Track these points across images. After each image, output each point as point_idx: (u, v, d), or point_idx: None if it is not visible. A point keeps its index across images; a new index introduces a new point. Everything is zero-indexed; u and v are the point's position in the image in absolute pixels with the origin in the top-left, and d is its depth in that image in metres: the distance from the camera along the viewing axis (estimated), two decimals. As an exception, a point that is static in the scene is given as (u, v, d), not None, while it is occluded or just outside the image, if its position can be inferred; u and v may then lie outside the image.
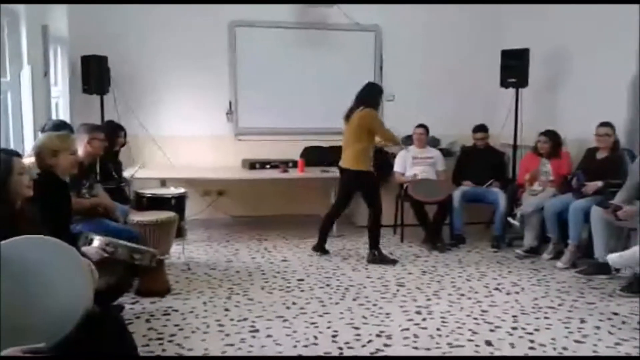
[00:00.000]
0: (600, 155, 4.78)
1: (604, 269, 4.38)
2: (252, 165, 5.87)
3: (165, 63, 5.97)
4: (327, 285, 4.20)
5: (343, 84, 6.24)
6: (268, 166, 5.88)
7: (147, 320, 3.47)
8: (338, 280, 4.32)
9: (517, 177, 5.63)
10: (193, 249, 5.17)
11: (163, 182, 5.39)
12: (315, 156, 6.11)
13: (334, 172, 5.73)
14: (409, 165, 5.57)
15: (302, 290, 4.07)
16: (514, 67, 5.67)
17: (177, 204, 4.67)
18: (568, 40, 5.56)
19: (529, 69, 5.63)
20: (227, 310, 3.67)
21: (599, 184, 4.63)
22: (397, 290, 4.08)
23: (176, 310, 3.65)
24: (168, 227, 4.09)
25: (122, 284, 3.39)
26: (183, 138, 6.04)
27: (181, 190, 4.81)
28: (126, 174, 5.13)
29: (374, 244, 4.87)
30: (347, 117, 4.84)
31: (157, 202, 4.57)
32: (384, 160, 6.00)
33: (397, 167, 5.64)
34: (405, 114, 6.23)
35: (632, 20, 4.78)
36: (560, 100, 5.75)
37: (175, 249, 4.75)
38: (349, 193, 5.03)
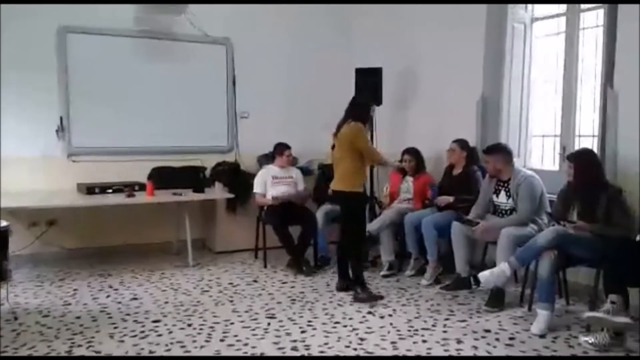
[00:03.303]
0: (456, 171, 4.92)
1: (466, 283, 4.48)
2: (89, 189, 5.12)
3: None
4: (189, 325, 3.70)
5: (193, 99, 5.87)
6: (110, 190, 5.16)
7: (-41, 395, 2.72)
8: (201, 317, 3.84)
9: (376, 194, 5.63)
10: (19, 292, 4.34)
11: (-24, 214, 4.44)
12: (166, 178, 5.53)
13: (188, 195, 5.25)
14: (270, 185, 5.26)
15: (159, 335, 3.53)
16: (369, 85, 5.66)
17: (-3, 240, 3.82)
18: (420, 60, 5.72)
19: (383, 88, 5.67)
20: (68, 369, 3.02)
21: (450, 198, 4.75)
22: (269, 324, 3.73)
23: (-1, 377, 2.92)
24: (-15, 271, 3.30)
25: None
26: (3, 159, 5.08)
27: (2, 223, 3.96)
28: None
29: (357, 279, 4.29)
30: (336, 133, 4.34)
31: (-30, 240, 3.70)
32: (242, 180, 5.67)
33: (257, 187, 5.30)
34: (261, 132, 5.98)
35: (479, 44, 5.03)
36: (413, 119, 5.88)
37: (-4, 295, 3.90)
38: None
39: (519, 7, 4.93)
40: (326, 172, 5.62)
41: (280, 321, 3.79)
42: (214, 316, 3.87)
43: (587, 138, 4.44)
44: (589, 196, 3.74)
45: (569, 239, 3.65)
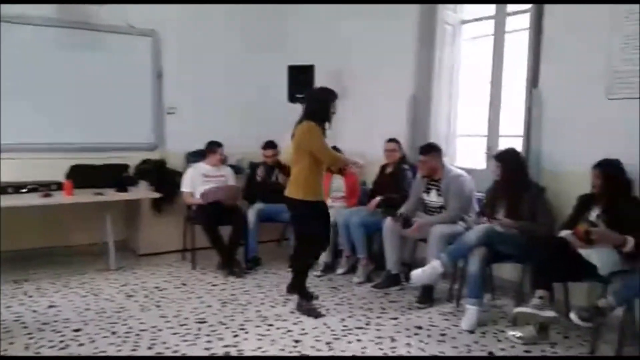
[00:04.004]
0: (388, 170, 4.95)
1: (396, 280, 4.52)
2: (1, 189, 4.73)
3: None
4: (113, 333, 3.49)
5: (116, 94, 5.56)
6: (24, 190, 4.80)
7: None
8: (125, 324, 3.63)
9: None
10: None
11: None
12: (86, 176, 5.20)
13: (110, 195, 4.98)
14: (200, 183, 5.08)
15: (80, 345, 3.30)
16: (301, 82, 5.63)
17: None
18: (352, 59, 5.71)
19: (316, 86, 5.63)
20: (-24, 387, 2.76)
21: (377, 198, 4.77)
22: (199, 329, 3.58)
23: None
24: None
25: None
26: None
27: None
28: None
29: (298, 288, 3.99)
30: (293, 134, 3.88)
31: None
32: (169, 179, 5.45)
33: (186, 186, 5.12)
34: (189, 128, 5.77)
35: (410, 44, 5.08)
36: (345, 117, 5.83)
37: None
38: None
39: (449, 9, 5.03)
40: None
41: (212, 325, 3.65)
42: (140, 323, 3.68)
43: (512, 138, 4.57)
44: (514, 194, 3.86)
45: (496, 237, 3.75)
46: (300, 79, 5.64)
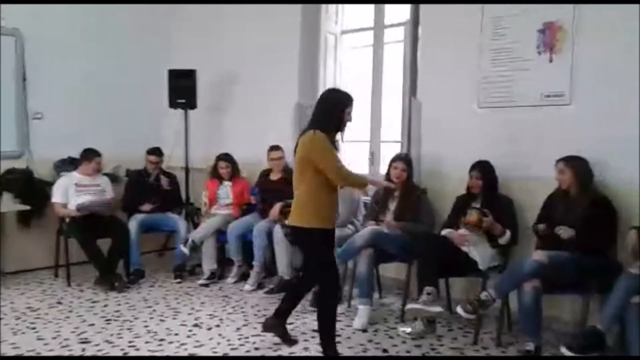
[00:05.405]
0: (274, 176, 4.94)
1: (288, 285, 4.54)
2: None
3: None
4: (-17, 361, 3.15)
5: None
6: None
7: None
8: (-3, 351, 3.29)
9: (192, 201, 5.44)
10: None
11: None
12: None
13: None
14: (73, 194, 4.72)
15: (-57, 378, 2.93)
16: (183, 87, 5.47)
17: None
18: (237, 64, 5.64)
19: (198, 91, 5.50)
20: None
21: (278, 205, 4.74)
22: (83, 350, 3.32)
23: None
24: None
25: None
26: None
27: None
28: None
29: (325, 333, 3.20)
30: (296, 146, 3.17)
31: None
32: (37, 189, 5.01)
33: (57, 196, 4.73)
34: (58, 135, 5.34)
35: (294, 51, 5.15)
36: (229, 123, 5.79)
37: None
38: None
39: (330, 19, 5.18)
40: (138, 178, 5.25)
41: (97, 345, 3.41)
42: (14, 347, 3.33)
43: (393, 143, 4.80)
44: (402, 196, 4.05)
45: (383, 237, 3.92)
46: (181, 84, 5.47)
